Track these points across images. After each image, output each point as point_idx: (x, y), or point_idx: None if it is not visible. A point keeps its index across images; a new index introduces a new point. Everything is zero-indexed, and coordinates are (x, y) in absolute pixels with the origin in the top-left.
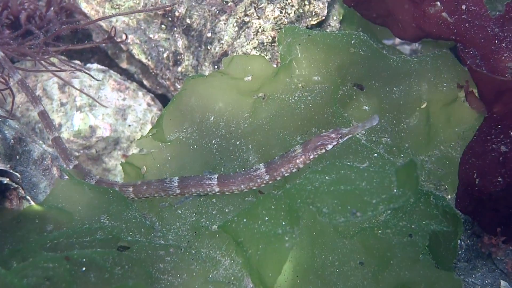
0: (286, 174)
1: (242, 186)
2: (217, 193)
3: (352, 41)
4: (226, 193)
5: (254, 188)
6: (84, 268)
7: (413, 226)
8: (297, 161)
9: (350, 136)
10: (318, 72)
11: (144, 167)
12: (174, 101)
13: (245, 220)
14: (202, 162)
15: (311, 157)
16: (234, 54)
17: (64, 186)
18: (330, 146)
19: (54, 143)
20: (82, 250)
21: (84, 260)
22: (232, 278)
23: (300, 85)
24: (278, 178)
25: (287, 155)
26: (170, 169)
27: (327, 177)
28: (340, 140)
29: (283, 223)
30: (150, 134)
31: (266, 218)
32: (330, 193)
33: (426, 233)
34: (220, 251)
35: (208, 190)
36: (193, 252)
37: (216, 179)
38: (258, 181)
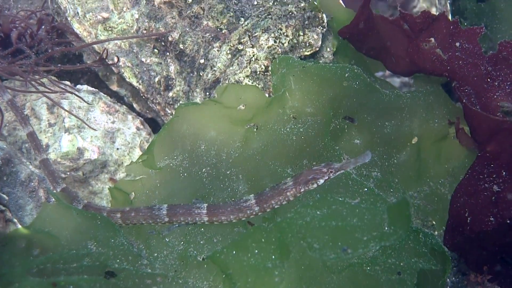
0: (276, 206)
1: (231, 217)
2: (206, 223)
3: (346, 74)
4: (215, 222)
5: (244, 219)
6: None
7: (402, 264)
8: (288, 193)
9: (342, 171)
10: (311, 103)
11: (133, 193)
12: (165, 128)
13: (234, 252)
14: (192, 190)
15: (302, 190)
16: (227, 81)
17: (52, 210)
18: (321, 181)
19: (42, 165)
20: (69, 276)
21: (71, 287)
22: None
23: (292, 116)
24: (268, 210)
25: (278, 187)
26: (159, 196)
27: (318, 212)
28: (331, 175)
29: (273, 256)
30: (140, 160)
31: (256, 251)
32: (321, 229)
33: (415, 271)
34: (207, 282)
35: (197, 219)
36: (180, 282)
37: (205, 208)
38: (248, 212)
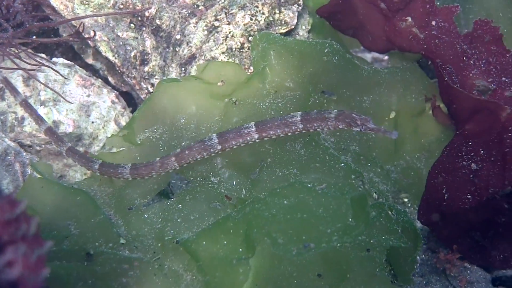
0: (318, 129)
1: (278, 131)
2: (257, 141)
3: (326, 50)
4: (265, 138)
5: (290, 134)
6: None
7: (371, 241)
8: (328, 123)
9: (370, 132)
10: (291, 79)
11: None
12: (146, 102)
13: (204, 242)
14: None
15: (340, 126)
16: (203, 57)
17: (35, 184)
18: (355, 129)
19: (48, 133)
20: (48, 262)
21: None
22: None
23: (272, 91)
24: (311, 131)
25: (322, 114)
26: None
27: (285, 202)
28: (362, 129)
29: (240, 249)
30: (120, 134)
31: (225, 242)
32: (287, 222)
33: (384, 248)
34: (182, 265)
35: (248, 138)
36: (156, 267)
37: (253, 126)
38: (293, 128)
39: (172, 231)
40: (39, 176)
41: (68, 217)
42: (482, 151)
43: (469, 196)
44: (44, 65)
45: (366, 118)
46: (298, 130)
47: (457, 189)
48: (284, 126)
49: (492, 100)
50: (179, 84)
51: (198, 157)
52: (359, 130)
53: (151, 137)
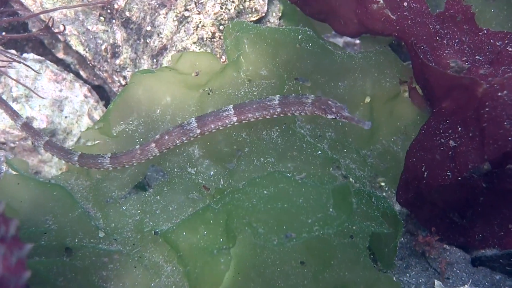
0: (295, 113)
1: (257, 114)
2: (236, 123)
3: (299, 37)
4: (244, 121)
5: (268, 117)
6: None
7: (354, 228)
8: (306, 108)
9: (344, 120)
10: (265, 67)
11: None
12: (121, 94)
13: (184, 233)
14: None
15: (316, 112)
16: (174, 48)
17: (11, 181)
18: (329, 116)
19: (24, 128)
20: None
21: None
22: (174, 287)
23: (247, 80)
24: (288, 114)
25: (300, 98)
26: None
27: (265, 192)
28: (337, 117)
29: (221, 239)
30: (96, 127)
31: (205, 232)
32: (267, 212)
33: (367, 234)
34: (163, 256)
35: (227, 121)
36: (136, 259)
37: (232, 109)
38: (271, 111)
39: (151, 223)
40: (14, 172)
41: (45, 212)
42: (459, 128)
43: (449, 173)
44: (15, 60)
45: (342, 106)
46: (276, 113)
47: (436, 167)
48: (263, 109)
49: (468, 77)
50: (153, 75)
51: (177, 142)
52: (334, 117)
53: (127, 129)
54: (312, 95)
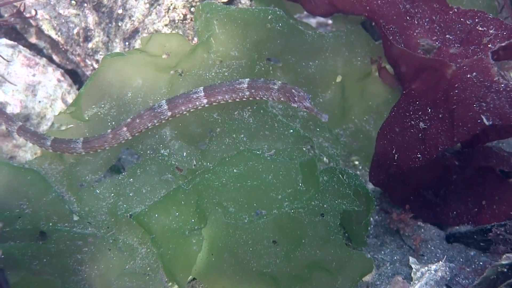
0: (263, 98)
1: (226, 97)
2: (206, 105)
3: (269, 17)
4: (214, 103)
5: (237, 100)
6: (1, 265)
7: (325, 206)
8: (272, 94)
9: (305, 110)
10: (235, 47)
11: None
12: (92, 78)
13: (156, 215)
14: None
15: (281, 99)
16: (146, 31)
17: None
18: (292, 104)
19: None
20: (1, 244)
21: (3, 256)
22: (148, 269)
23: (217, 60)
24: (257, 98)
25: (267, 83)
26: None
27: (235, 170)
28: (298, 105)
29: (193, 220)
30: (68, 111)
31: (177, 213)
32: (237, 190)
33: (338, 212)
34: (137, 238)
35: (197, 103)
36: (111, 241)
37: (202, 91)
38: (240, 94)
39: (124, 206)
40: None
41: (19, 197)
42: (429, 110)
43: (419, 155)
44: None
45: (304, 96)
46: (245, 96)
47: (406, 149)
48: (232, 92)
49: (437, 58)
50: (123, 58)
51: (149, 124)
52: (296, 106)
53: (99, 113)
54: (279, 82)
